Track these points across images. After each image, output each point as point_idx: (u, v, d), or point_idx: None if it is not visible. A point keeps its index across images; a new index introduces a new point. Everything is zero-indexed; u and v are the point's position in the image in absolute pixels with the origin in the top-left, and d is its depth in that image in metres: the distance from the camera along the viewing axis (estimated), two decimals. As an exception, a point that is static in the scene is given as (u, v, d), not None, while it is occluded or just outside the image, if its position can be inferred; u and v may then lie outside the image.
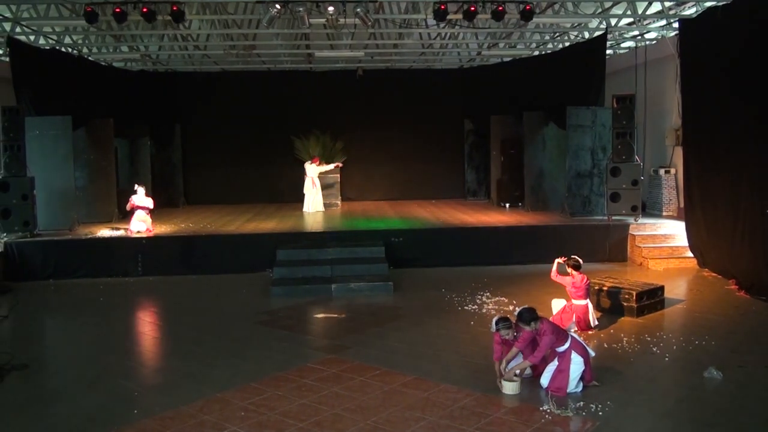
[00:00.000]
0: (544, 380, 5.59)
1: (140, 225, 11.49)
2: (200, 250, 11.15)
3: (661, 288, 8.34)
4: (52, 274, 10.68)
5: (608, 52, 13.58)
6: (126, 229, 11.53)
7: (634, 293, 7.86)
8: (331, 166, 15.23)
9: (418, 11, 12.35)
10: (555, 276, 7.42)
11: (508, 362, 5.65)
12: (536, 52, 15.43)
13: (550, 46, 14.96)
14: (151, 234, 11.41)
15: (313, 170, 14.87)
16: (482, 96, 16.63)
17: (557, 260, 7.47)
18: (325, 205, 15.10)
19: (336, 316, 8.29)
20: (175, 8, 10.46)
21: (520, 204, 14.51)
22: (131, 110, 15.17)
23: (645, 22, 12.54)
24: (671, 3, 11.73)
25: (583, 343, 5.74)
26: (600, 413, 5.07)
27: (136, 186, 11.84)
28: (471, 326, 7.60)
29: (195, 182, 17.22)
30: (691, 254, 10.81)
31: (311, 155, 15.70)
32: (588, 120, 12.46)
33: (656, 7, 11.85)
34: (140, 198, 11.57)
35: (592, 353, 5.74)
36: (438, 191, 17.41)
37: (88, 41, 14.03)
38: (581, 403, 5.25)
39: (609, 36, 12.78)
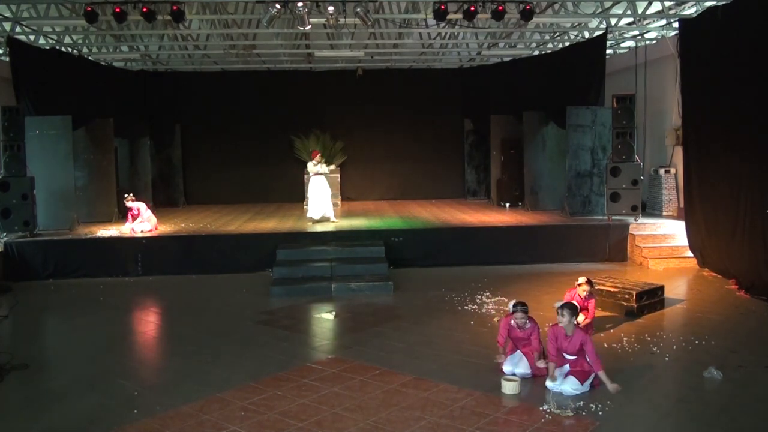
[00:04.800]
0: (553, 383, 5.52)
1: (144, 225, 11.51)
2: (200, 250, 11.14)
3: (661, 288, 8.33)
4: (52, 274, 10.68)
5: (608, 52, 13.58)
6: (130, 229, 11.54)
7: (634, 293, 7.86)
8: (326, 169, 13.46)
9: (418, 11, 12.34)
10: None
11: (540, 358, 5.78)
12: (536, 52, 15.43)
13: (550, 46, 14.95)
14: (154, 233, 11.43)
15: (311, 168, 13.58)
16: (482, 96, 16.62)
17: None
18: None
19: (336, 315, 8.29)
20: (175, 8, 10.45)
21: (520, 204, 14.52)
22: (131, 110, 15.18)
23: (645, 22, 12.54)
24: (671, 3, 11.73)
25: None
26: (600, 413, 5.06)
27: (125, 197, 11.81)
28: (471, 326, 7.60)
29: (195, 182, 17.23)
30: (691, 254, 10.80)
31: (311, 156, 15.61)
32: (588, 120, 12.46)
33: (656, 6, 11.85)
34: (136, 207, 11.65)
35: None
36: (438, 191, 17.42)
37: (88, 41, 14.03)
38: (581, 403, 5.24)
39: (609, 36, 12.77)
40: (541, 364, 5.78)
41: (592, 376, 5.49)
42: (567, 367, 5.55)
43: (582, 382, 5.42)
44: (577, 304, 6.09)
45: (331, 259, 10.50)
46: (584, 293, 7.03)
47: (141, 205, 11.72)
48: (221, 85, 17.20)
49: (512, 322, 5.92)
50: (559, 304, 5.83)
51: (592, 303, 7.12)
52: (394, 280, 9.74)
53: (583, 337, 5.58)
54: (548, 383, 5.54)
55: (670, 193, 13.04)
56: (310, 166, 13.12)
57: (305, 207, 14.84)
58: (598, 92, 12.51)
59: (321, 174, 12.96)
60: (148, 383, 6.05)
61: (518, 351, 5.94)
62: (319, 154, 13.70)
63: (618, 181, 11.58)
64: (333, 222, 12.59)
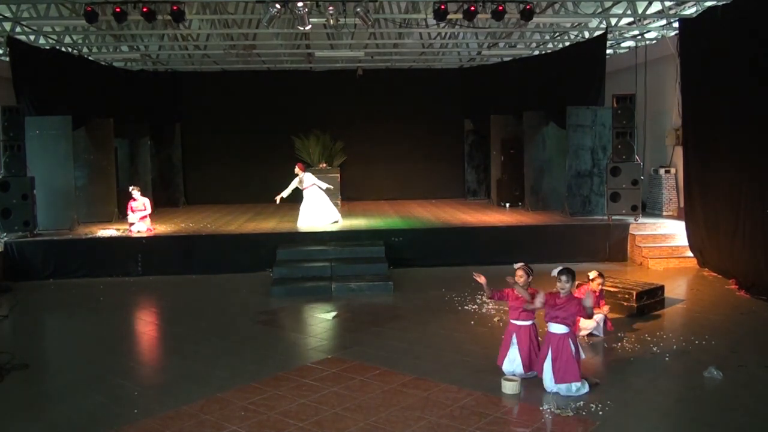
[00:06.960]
0: (549, 380, 5.51)
1: (140, 225, 11.52)
2: (200, 250, 11.14)
3: (661, 288, 8.33)
4: (52, 274, 10.69)
5: (608, 51, 13.58)
6: (127, 230, 11.54)
7: (634, 293, 7.86)
8: (317, 183, 12.67)
9: (418, 11, 12.35)
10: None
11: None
12: (536, 52, 15.43)
13: (550, 45, 14.96)
14: (151, 234, 11.43)
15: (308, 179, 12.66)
16: (482, 96, 16.64)
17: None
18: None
19: (336, 315, 8.29)
20: (175, 8, 10.46)
21: (520, 204, 14.52)
22: (131, 110, 15.18)
23: (645, 22, 12.54)
24: (671, 3, 11.73)
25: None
26: (600, 413, 5.06)
27: (131, 188, 11.85)
28: (471, 326, 7.60)
29: (195, 182, 17.26)
30: (691, 254, 10.81)
31: (311, 156, 15.58)
32: (588, 120, 12.47)
33: (656, 6, 11.85)
34: (139, 204, 11.64)
35: (583, 355, 5.73)
36: (438, 191, 17.44)
37: (88, 41, 14.03)
38: (581, 403, 5.24)
39: (609, 36, 12.78)
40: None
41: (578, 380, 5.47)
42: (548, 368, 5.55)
43: (570, 382, 5.41)
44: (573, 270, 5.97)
45: (331, 259, 10.51)
46: (599, 287, 7.12)
47: (145, 201, 11.72)
48: (221, 85, 17.21)
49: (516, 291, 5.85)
50: (555, 271, 5.67)
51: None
52: (394, 280, 9.74)
53: (576, 300, 5.63)
54: (546, 383, 5.54)
55: (670, 193, 13.05)
56: (300, 181, 12.55)
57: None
58: (598, 92, 12.52)
59: (314, 184, 12.57)
60: (148, 383, 6.05)
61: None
62: (303, 166, 13.01)
63: (618, 181, 11.58)
64: (336, 222, 12.46)
